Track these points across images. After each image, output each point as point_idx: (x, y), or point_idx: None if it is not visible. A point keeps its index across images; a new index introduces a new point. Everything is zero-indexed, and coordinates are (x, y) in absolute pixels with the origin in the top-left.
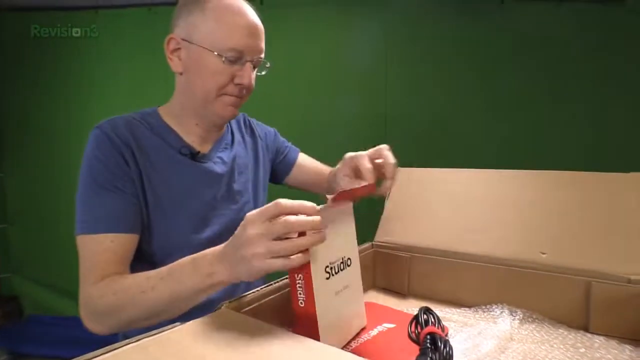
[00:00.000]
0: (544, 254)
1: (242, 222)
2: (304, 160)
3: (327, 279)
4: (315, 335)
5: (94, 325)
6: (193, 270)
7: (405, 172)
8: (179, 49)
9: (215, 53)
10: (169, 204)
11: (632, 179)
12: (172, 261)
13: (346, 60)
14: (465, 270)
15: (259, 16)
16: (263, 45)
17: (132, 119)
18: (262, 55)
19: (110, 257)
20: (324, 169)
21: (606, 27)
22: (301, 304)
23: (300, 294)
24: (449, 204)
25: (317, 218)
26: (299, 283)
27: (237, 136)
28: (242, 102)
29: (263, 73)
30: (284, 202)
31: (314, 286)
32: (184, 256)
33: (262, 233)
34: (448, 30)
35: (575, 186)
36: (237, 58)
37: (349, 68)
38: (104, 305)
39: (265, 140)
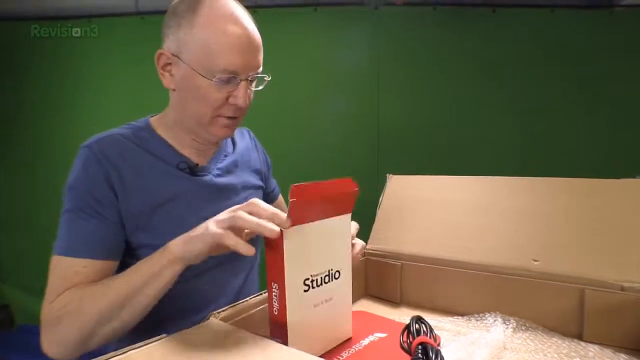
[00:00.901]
0: (536, 261)
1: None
2: (281, 205)
3: (306, 291)
4: (285, 343)
5: (56, 347)
6: (150, 255)
7: (398, 179)
8: (170, 64)
9: (206, 76)
10: (168, 222)
11: (625, 184)
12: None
13: (338, 68)
14: (458, 278)
15: (255, 24)
16: (260, 59)
17: (122, 138)
18: (260, 70)
19: (82, 281)
20: None
21: (596, 33)
22: (275, 312)
23: (275, 302)
24: (441, 211)
25: (283, 216)
26: (274, 292)
27: (240, 145)
28: (238, 122)
29: (260, 88)
30: (259, 200)
31: (287, 298)
32: (188, 274)
33: (231, 209)
34: (440, 38)
35: (567, 192)
36: (230, 78)
37: (342, 75)
38: (66, 313)
39: (267, 166)
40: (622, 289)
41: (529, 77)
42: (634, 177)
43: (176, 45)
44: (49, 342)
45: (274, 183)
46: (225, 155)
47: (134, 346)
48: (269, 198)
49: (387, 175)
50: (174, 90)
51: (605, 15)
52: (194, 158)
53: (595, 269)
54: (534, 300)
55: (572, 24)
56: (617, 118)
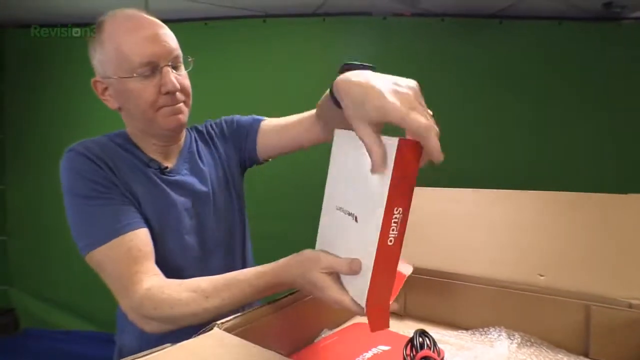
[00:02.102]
0: (542, 276)
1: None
2: (268, 123)
3: None
4: (393, 276)
5: (148, 326)
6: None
7: None
8: (106, 88)
9: (129, 76)
10: (148, 214)
11: (632, 200)
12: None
13: None
14: (463, 292)
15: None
16: (172, 44)
17: (100, 140)
18: (177, 54)
19: (137, 255)
20: (303, 115)
21: (604, 46)
22: (390, 242)
23: (393, 230)
24: (446, 224)
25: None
26: (395, 218)
27: (201, 144)
28: (185, 108)
29: (190, 69)
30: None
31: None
32: (168, 261)
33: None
34: (448, 49)
35: (574, 207)
36: (152, 69)
37: None
38: (161, 316)
39: (223, 137)
40: (630, 306)
41: (536, 88)
42: None
43: (101, 68)
44: (141, 323)
45: (244, 123)
46: (190, 153)
47: (138, 355)
48: (248, 139)
49: None
50: (119, 109)
51: (613, 27)
52: (163, 162)
53: (602, 285)
54: (539, 316)
55: (580, 36)
56: (624, 131)
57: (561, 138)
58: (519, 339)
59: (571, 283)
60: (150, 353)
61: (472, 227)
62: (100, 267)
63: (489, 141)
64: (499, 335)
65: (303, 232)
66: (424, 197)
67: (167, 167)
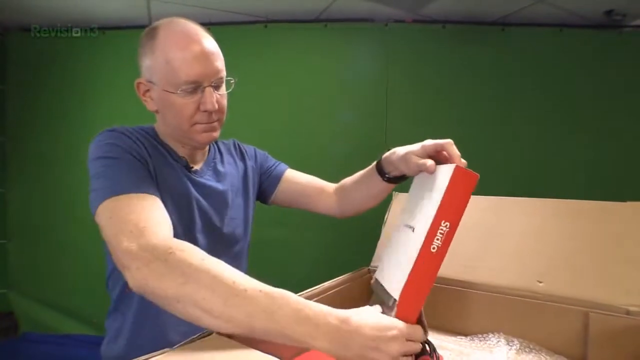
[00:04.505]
0: (540, 282)
1: (386, 331)
2: (293, 174)
3: None
4: (430, 283)
5: (139, 273)
6: (290, 319)
7: (404, 197)
8: (148, 90)
9: (172, 90)
10: (167, 206)
11: (631, 208)
12: None
13: (348, 84)
14: (462, 297)
15: (212, 37)
16: (218, 65)
17: (137, 129)
18: (222, 75)
19: (165, 214)
20: (324, 183)
21: (604, 53)
22: (433, 249)
23: (437, 239)
24: None
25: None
26: (441, 229)
27: (227, 157)
28: (219, 125)
29: (229, 90)
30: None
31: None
32: None
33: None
34: (449, 56)
35: (573, 215)
36: (195, 88)
37: (350, 91)
38: (167, 267)
39: (254, 160)
40: (627, 313)
41: (537, 94)
42: None
43: (147, 72)
44: (134, 271)
45: (273, 162)
46: (215, 161)
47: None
48: (270, 179)
49: (393, 193)
50: (156, 111)
51: (614, 35)
52: (189, 162)
53: (600, 292)
54: (538, 322)
55: (581, 43)
56: (625, 137)
57: (562, 144)
58: (518, 345)
59: (570, 290)
60: (151, 357)
61: (471, 233)
62: (114, 212)
63: (490, 147)
64: (498, 341)
65: (303, 239)
66: None
67: (192, 167)
